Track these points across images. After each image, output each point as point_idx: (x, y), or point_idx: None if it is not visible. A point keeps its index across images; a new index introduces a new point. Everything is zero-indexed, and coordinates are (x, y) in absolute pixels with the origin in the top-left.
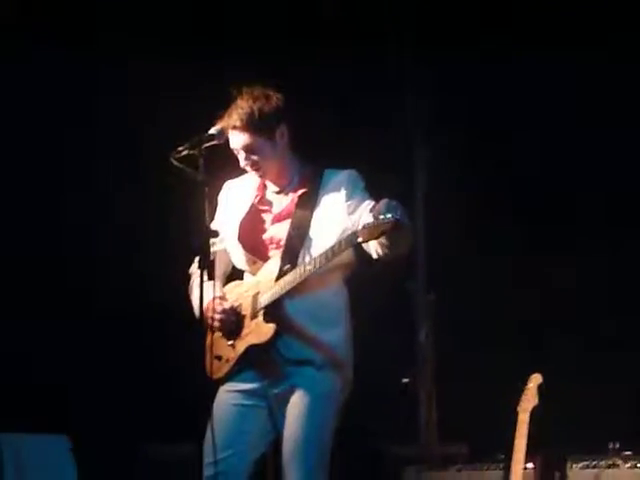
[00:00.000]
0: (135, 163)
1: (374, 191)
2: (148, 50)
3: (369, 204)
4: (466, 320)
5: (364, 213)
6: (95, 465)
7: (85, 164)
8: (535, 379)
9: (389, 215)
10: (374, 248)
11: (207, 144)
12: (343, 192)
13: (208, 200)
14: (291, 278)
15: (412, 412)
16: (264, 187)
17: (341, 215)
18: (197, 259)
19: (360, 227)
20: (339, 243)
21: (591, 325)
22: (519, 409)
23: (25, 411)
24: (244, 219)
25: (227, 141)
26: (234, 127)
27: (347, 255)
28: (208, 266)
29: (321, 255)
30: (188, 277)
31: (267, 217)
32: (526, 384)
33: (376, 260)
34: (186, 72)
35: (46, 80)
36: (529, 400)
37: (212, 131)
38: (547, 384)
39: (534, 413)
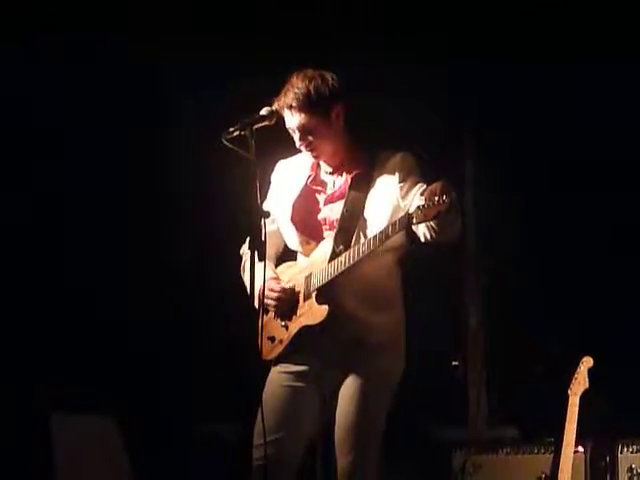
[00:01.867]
0: (187, 142)
1: (427, 174)
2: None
3: (422, 187)
4: (517, 303)
5: (417, 195)
6: (148, 444)
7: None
8: (586, 362)
9: (444, 197)
10: (422, 231)
11: (258, 125)
12: (397, 174)
13: (259, 180)
14: (344, 260)
15: (462, 395)
16: (318, 167)
17: (394, 197)
18: (248, 239)
19: (414, 209)
20: (393, 225)
21: None
22: (570, 392)
23: (75, 391)
24: (297, 199)
25: (278, 121)
26: (290, 107)
27: (400, 237)
28: (260, 246)
29: (375, 237)
30: (240, 257)
31: (320, 198)
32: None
33: (423, 243)
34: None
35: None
36: (580, 383)
37: (263, 112)
38: (599, 367)
39: (585, 396)
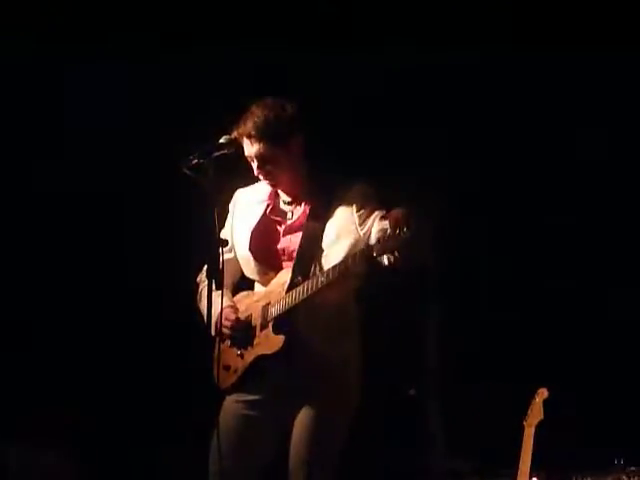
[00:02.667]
0: (143, 170)
1: (386, 202)
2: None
3: (379, 214)
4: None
5: (375, 223)
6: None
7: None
8: (541, 394)
9: (404, 229)
10: (386, 257)
11: (217, 153)
12: (354, 203)
13: (217, 209)
14: (303, 290)
15: (418, 426)
16: (277, 196)
17: (352, 226)
18: (205, 268)
19: (374, 241)
20: (353, 257)
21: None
22: (525, 424)
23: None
24: (255, 229)
25: (238, 150)
26: (249, 135)
27: (360, 266)
28: (217, 275)
29: (334, 268)
30: (196, 286)
31: (279, 228)
32: (532, 399)
33: (387, 268)
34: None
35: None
36: (535, 415)
37: (223, 140)
38: (553, 399)
39: (539, 428)
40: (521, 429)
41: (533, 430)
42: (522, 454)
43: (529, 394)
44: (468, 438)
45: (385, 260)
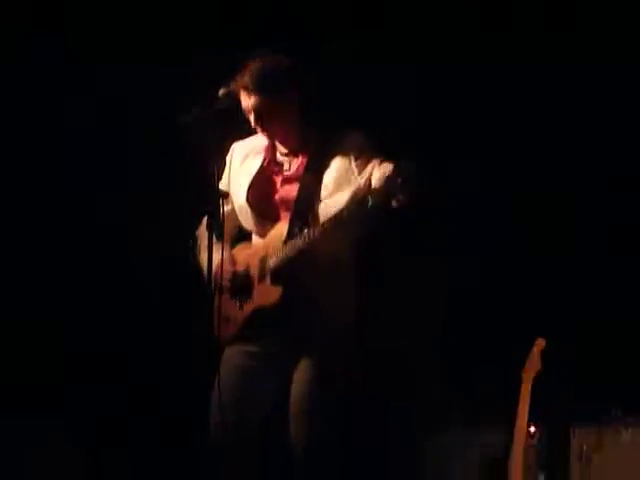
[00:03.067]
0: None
1: (382, 151)
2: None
3: (377, 162)
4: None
5: (374, 171)
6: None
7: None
8: (539, 344)
9: (398, 179)
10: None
11: (217, 106)
12: (351, 152)
13: (216, 161)
14: (300, 241)
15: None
16: (274, 148)
17: (351, 175)
18: (205, 220)
19: (370, 190)
20: (348, 207)
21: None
22: (522, 374)
23: None
24: (253, 180)
25: (235, 103)
26: (245, 88)
27: (358, 217)
28: (218, 227)
29: (330, 218)
30: (196, 239)
31: (277, 179)
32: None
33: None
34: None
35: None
36: (533, 366)
37: (221, 92)
38: (551, 350)
39: (537, 378)
40: (519, 380)
41: (531, 381)
42: (520, 405)
43: (527, 344)
44: (465, 389)
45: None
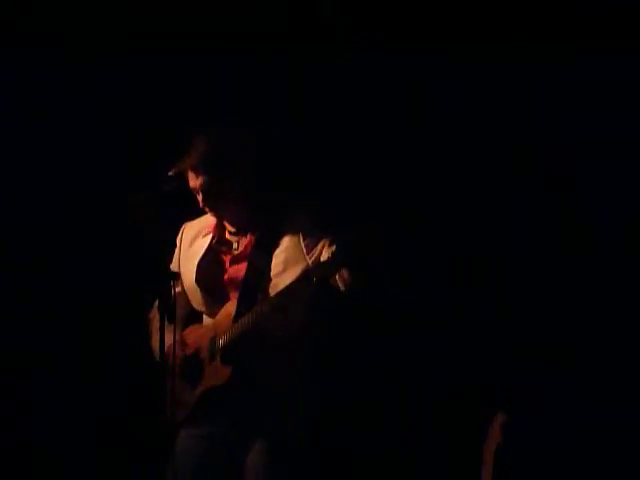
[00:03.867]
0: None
1: (333, 230)
2: None
3: (326, 241)
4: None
5: (323, 251)
6: None
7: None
8: (499, 418)
9: (342, 253)
10: (339, 282)
11: (165, 187)
12: (300, 231)
13: (167, 243)
14: (247, 319)
15: None
16: (222, 228)
17: (300, 255)
18: (157, 302)
19: (313, 265)
20: (294, 282)
21: None
22: (485, 448)
23: None
24: (202, 260)
25: (185, 182)
26: (193, 168)
27: (305, 294)
28: (169, 309)
29: (276, 295)
30: (148, 322)
31: (225, 258)
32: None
33: (341, 293)
34: None
35: None
36: (492, 439)
37: (170, 173)
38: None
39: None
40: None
41: (492, 455)
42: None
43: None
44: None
45: (338, 284)
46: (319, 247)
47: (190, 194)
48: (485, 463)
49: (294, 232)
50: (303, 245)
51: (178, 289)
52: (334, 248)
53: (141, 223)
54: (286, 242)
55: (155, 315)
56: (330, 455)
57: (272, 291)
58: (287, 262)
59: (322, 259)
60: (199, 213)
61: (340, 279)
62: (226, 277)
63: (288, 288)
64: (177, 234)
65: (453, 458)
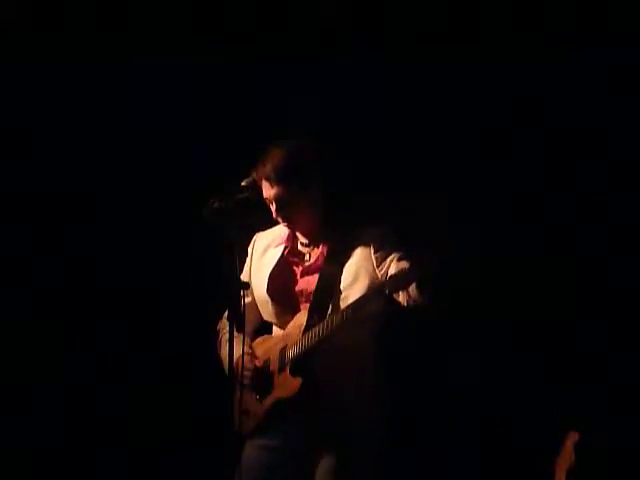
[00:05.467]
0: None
1: (403, 245)
2: None
3: (396, 255)
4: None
5: (392, 265)
6: None
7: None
8: (572, 437)
9: (416, 266)
10: (403, 297)
11: (240, 196)
12: (371, 245)
13: (238, 252)
14: (318, 331)
15: None
16: (294, 238)
17: (370, 267)
18: (226, 313)
19: (387, 278)
20: (365, 295)
21: None
22: (557, 466)
23: None
24: (273, 271)
25: (259, 192)
26: (267, 178)
27: (377, 306)
28: (238, 319)
29: (348, 307)
30: (217, 333)
31: (297, 270)
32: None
33: (406, 308)
34: None
35: None
36: (566, 458)
37: (244, 182)
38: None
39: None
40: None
41: (565, 474)
42: None
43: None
44: None
45: (402, 298)
46: (388, 261)
47: (262, 204)
48: None
49: (365, 245)
50: (374, 258)
51: (248, 299)
52: (404, 263)
53: (213, 231)
54: (357, 254)
55: (224, 325)
56: (397, 469)
57: (342, 303)
58: (357, 274)
59: (390, 272)
60: (271, 223)
61: (405, 294)
62: (297, 288)
63: (359, 300)
64: (249, 244)
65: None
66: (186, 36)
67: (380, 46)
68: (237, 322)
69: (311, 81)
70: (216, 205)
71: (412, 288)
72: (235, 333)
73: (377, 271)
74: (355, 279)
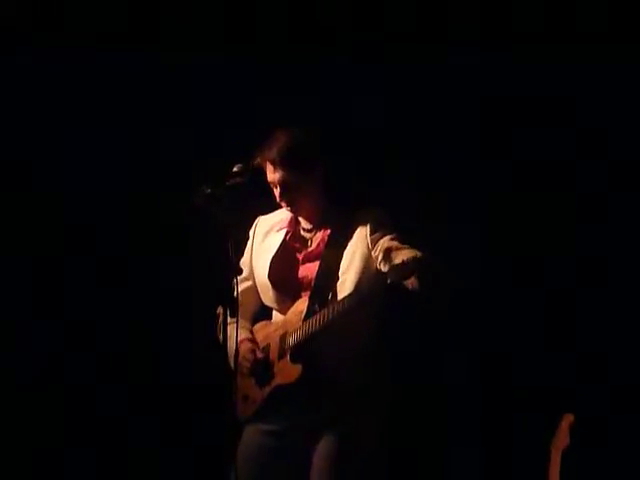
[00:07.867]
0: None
1: (401, 228)
2: None
3: (390, 236)
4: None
5: (384, 244)
6: None
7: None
8: (567, 418)
9: (419, 254)
10: (404, 286)
11: (231, 182)
12: (367, 226)
13: (233, 239)
14: (319, 318)
15: None
16: (297, 223)
17: (365, 249)
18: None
19: (388, 268)
20: (368, 286)
21: None
22: (552, 448)
23: None
24: (275, 256)
25: (254, 177)
26: (272, 161)
27: (377, 295)
28: (231, 304)
29: (349, 296)
30: (217, 317)
31: (298, 255)
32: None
33: (410, 294)
34: None
35: None
36: (561, 439)
37: (236, 168)
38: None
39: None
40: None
41: (560, 455)
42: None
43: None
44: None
45: (403, 287)
46: (381, 242)
47: (265, 187)
48: (553, 464)
49: (362, 227)
50: (369, 240)
51: (249, 283)
52: (395, 243)
53: (206, 216)
54: (355, 237)
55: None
56: (398, 456)
57: (340, 288)
58: (353, 257)
59: (393, 260)
60: (263, 210)
61: (407, 283)
62: (299, 274)
63: (361, 288)
64: (250, 227)
65: (519, 458)
66: (186, 35)
67: (380, 46)
68: (230, 308)
69: (311, 81)
70: (208, 191)
71: (413, 278)
72: (229, 320)
73: (372, 252)
74: (351, 262)
